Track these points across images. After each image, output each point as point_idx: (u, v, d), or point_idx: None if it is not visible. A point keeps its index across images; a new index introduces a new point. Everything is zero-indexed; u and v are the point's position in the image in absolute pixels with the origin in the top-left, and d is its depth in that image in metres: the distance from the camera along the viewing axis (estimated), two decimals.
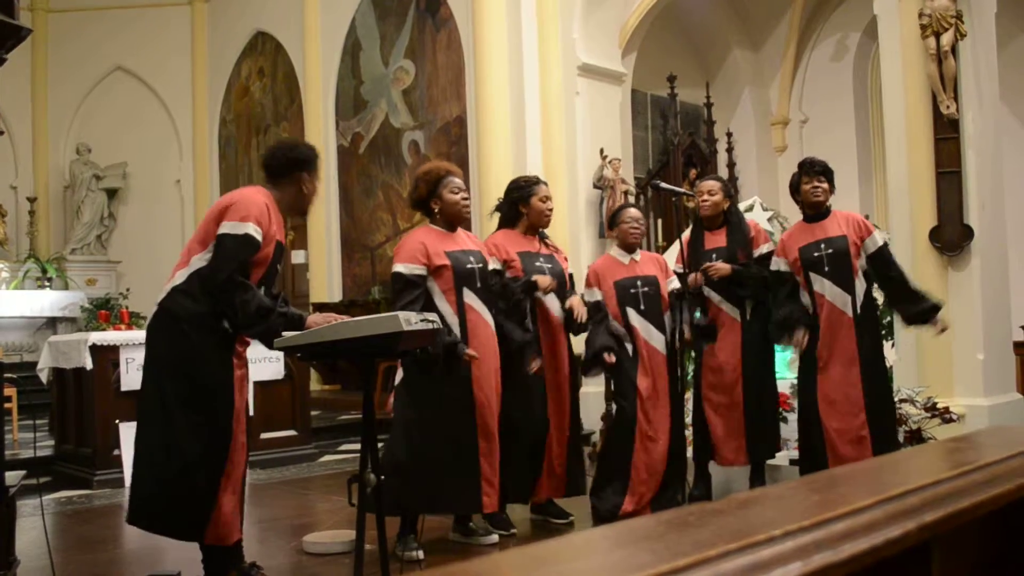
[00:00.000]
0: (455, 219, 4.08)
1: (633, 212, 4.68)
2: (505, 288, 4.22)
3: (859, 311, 4.47)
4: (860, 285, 4.50)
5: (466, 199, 4.10)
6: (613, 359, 4.34)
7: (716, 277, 4.66)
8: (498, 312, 4.14)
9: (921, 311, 4.45)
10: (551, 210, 4.47)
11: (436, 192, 4.03)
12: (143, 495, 3.27)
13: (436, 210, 4.05)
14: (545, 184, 4.52)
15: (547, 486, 4.40)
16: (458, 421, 3.90)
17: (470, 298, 3.98)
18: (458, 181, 4.09)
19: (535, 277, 4.25)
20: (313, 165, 3.46)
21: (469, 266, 4.00)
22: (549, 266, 4.39)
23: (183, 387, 3.23)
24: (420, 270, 3.90)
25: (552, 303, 4.39)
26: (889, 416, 4.60)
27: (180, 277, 3.30)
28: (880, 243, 4.53)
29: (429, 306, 3.85)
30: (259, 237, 3.23)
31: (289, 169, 3.44)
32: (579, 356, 4.60)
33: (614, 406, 4.66)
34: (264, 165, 3.51)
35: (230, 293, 3.15)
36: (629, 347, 4.46)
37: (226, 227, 3.22)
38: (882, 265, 4.50)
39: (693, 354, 5.14)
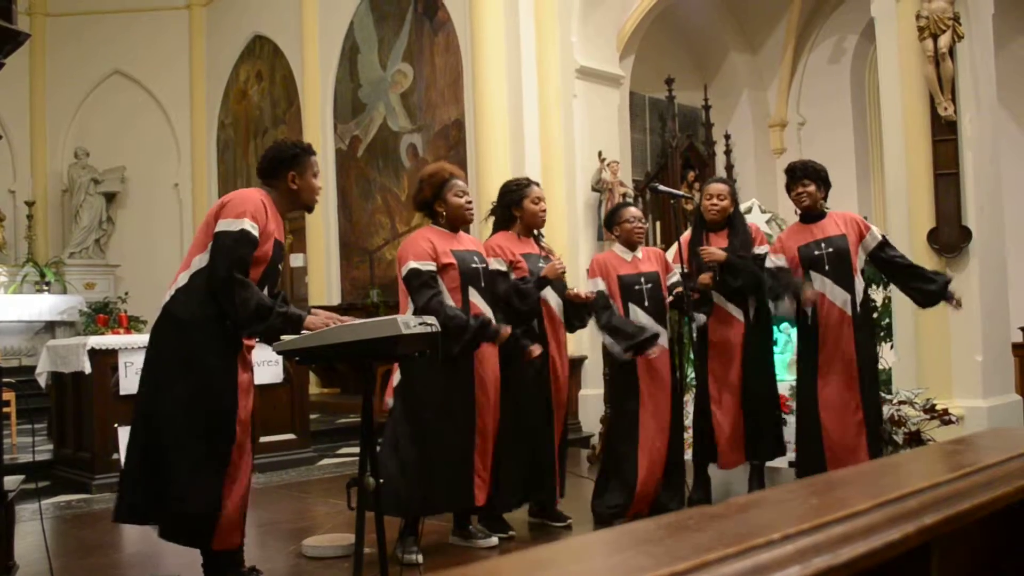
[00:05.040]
0: (459, 222, 4.10)
1: (634, 211, 4.67)
2: (518, 291, 4.20)
3: (858, 310, 4.50)
4: (859, 284, 4.53)
5: (470, 202, 4.11)
6: (656, 352, 4.34)
7: (709, 261, 4.61)
8: (499, 311, 4.13)
9: (938, 289, 4.49)
10: (544, 211, 4.46)
11: (441, 195, 4.04)
12: (140, 497, 3.24)
13: (441, 213, 4.06)
14: (537, 185, 4.51)
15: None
16: (458, 421, 3.91)
17: (475, 297, 4.00)
18: (462, 184, 4.11)
19: (544, 271, 4.25)
20: (299, 162, 3.44)
21: (474, 265, 4.03)
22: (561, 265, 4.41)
23: (186, 389, 3.21)
24: (432, 266, 3.91)
25: (553, 300, 4.39)
26: (879, 416, 4.64)
27: (183, 279, 3.30)
28: (879, 237, 4.57)
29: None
30: (255, 233, 3.23)
31: (276, 169, 3.45)
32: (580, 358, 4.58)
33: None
34: (257, 168, 3.56)
35: (230, 291, 3.15)
36: None
37: (222, 224, 3.23)
38: (886, 256, 4.55)
39: (692, 356, 5.14)
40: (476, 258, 4.07)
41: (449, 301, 3.91)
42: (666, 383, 4.47)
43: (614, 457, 4.48)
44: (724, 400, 4.73)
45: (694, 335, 4.73)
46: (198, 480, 3.21)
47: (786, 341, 6.31)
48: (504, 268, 4.26)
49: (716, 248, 4.65)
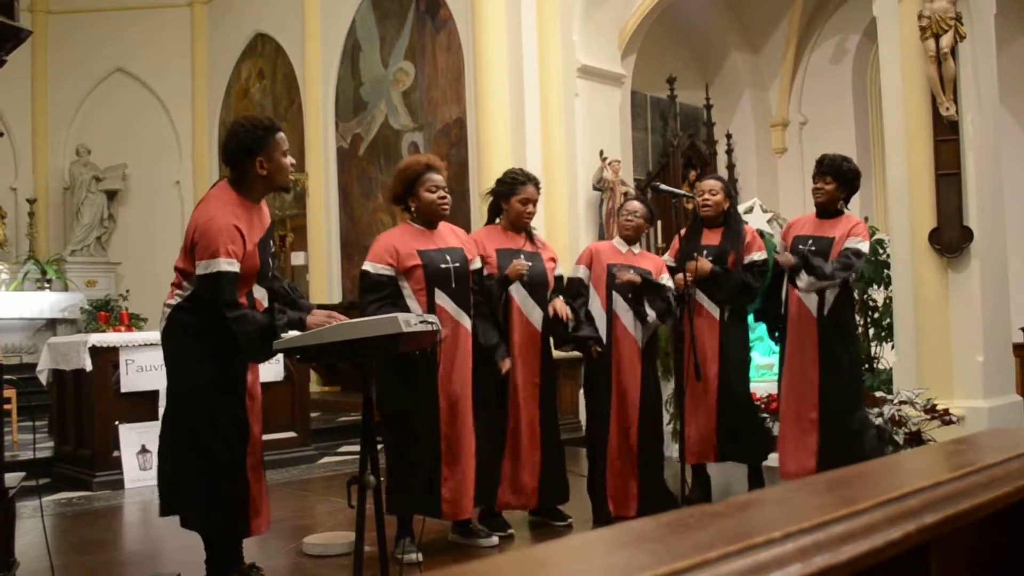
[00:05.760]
0: (432, 217, 3.95)
1: (631, 204, 4.57)
2: (484, 290, 4.11)
3: (825, 313, 4.44)
4: (832, 289, 4.43)
5: (443, 197, 3.93)
6: (598, 351, 4.33)
7: (695, 276, 4.54)
8: (475, 313, 4.03)
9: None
10: (531, 213, 4.31)
11: (413, 190, 3.91)
12: (180, 495, 3.27)
13: (413, 208, 3.94)
14: (535, 185, 4.33)
15: (515, 496, 4.26)
16: (421, 425, 3.81)
17: (442, 299, 3.86)
18: (437, 177, 3.92)
19: (507, 271, 4.14)
20: (265, 145, 3.25)
21: (443, 266, 3.88)
22: (529, 264, 4.24)
23: (203, 387, 3.24)
24: (387, 270, 3.82)
25: (532, 311, 4.26)
26: (850, 422, 4.43)
27: (177, 298, 3.29)
28: (855, 247, 4.40)
29: (400, 306, 3.76)
30: (233, 268, 3.14)
31: (244, 157, 3.27)
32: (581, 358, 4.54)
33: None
34: (223, 159, 3.36)
35: (228, 328, 3.15)
36: (604, 336, 4.41)
37: (200, 268, 3.15)
38: (840, 255, 4.40)
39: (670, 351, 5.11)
40: (449, 257, 3.90)
41: (416, 306, 3.79)
42: (638, 371, 4.37)
43: (591, 457, 4.48)
44: (695, 397, 4.64)
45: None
46: (226, 473, 3.23)
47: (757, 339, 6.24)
48: (480, 266, 4.15)
49: (704, 262, 4.58)
